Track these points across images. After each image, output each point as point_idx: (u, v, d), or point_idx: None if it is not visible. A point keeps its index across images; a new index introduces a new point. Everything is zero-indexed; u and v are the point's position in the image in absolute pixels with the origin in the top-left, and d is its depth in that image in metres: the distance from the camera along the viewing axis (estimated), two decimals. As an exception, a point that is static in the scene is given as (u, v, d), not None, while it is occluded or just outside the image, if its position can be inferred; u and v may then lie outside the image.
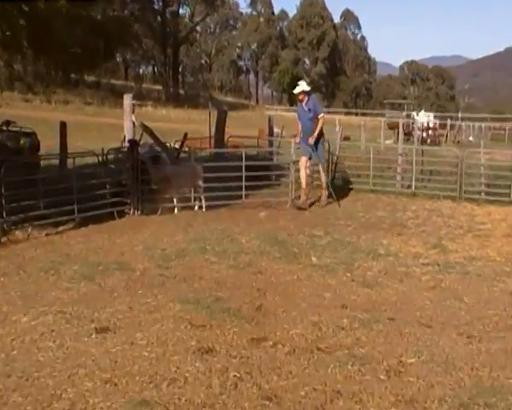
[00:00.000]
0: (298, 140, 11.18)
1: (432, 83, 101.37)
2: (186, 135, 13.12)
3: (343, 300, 5.68)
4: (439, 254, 7.54)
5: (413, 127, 33.41)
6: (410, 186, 12.50)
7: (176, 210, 10.32)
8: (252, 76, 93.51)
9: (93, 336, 4.73)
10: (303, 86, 10.96)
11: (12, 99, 38.60)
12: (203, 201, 10.54)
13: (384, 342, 4.61)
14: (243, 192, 10.73)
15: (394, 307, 5.46)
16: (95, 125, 30.22)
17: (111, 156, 10.49)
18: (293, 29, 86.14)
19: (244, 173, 10.69)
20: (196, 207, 10.57)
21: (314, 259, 7.27)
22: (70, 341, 4.60)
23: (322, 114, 10.98)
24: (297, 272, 6.69)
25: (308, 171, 11.07)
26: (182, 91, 65.89)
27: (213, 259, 7.23)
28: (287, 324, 4.99)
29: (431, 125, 34.29)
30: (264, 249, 7.69)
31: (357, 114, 57.48)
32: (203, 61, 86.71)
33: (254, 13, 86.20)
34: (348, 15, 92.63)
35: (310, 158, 10.90)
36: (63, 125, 12.31)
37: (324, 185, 11.14)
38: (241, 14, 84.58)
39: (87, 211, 9.43)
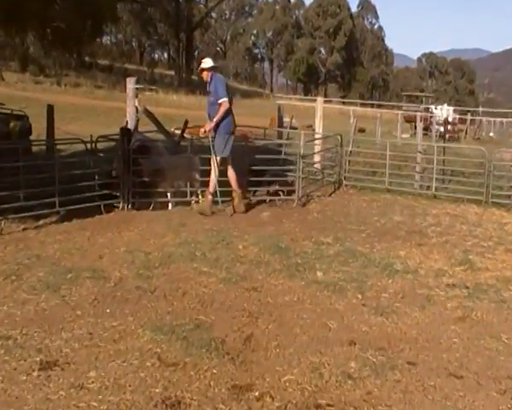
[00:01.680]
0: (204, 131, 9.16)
1: (451, 76, 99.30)
2: (187, 122, 12.09)
3: (351, 332, 4.65)
4: (466, 273, 6.47)
5: (431, 121, 32.29)
6: (429, 187, 11.40)
7: (170, 206, 9.34)
8: (267, 64, 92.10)
9: (34, 373, 3.76)
10: (205, 63, 9.11)
11: (23, 81, 37.88)
12: (200, 196, 9.53)
13: (402, 399, 3.60)
14: (245, 188, 9.70)
15: (415, 346, 4.42)
16: (103, 109, 29.24)
17: (102, 144, 9.53)
18: (309, 17, 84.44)
19: (247, 167, 9.65)
20: (193, 203, 9.56)
21: (320, 274, 6.24)
22: (2, 381, 3.63)
23: (223, 99, 8.88)
24: (298, 291, 5.68)
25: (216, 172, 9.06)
26: (195, 77, 64.76)
27: (203, 268, 6.24)
28: (280, 365, 3.99)
29: (450, 119, 33.02)
30: (263, 258, 6.68)
31: (372, 106, 56.12)
32: (218, 49, 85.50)
33: (270, 0, 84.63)
34: (366, 4, 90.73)
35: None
36: (50, 109, 11.32)
37: (211, 189, 8.96)
38: (257, 0, 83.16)
39: (72, 204, 8.49)
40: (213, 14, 75.67)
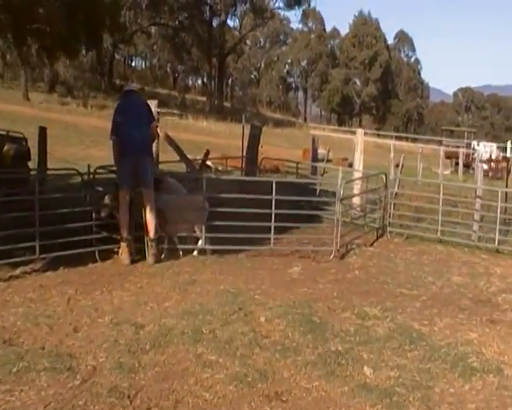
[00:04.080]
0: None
1: (487, 112, 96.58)
2: (208, 153, 10.65)
3: None
4: None
5: (473, 158, 30.32)
6: (491, 240, 9.58)
7: (181, 253, 7.73)
8: (301, 93, 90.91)
9: None
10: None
11: (49, 101, 37.24)
12: (205, 243, 7.88)
13: None
14: (271, 235, 8.04)
15: None
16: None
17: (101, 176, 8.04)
18: (344, 48, 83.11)
19: (274, 210, 8.00)
20: (208, 249, 7.93)
21: (368, 371, 4.53)
22: None
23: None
24: (340, 404, 3.98)
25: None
26: (228, 104, 63.95)
27: (210, 356, 4.60)
28: None
29: (493, 156, 31.02)
30: (292, 341, 5.00)
31: (407, 139, 54.11)
32: (252, 76, 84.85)
33: (305, 29, 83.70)
34: (402, 37, 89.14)
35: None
36: (42, 131, 9.74)
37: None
38: (292, 29, 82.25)
39: (59, 248, 6.97)
40: (248, 42, 75.08)
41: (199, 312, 5.50)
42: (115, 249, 7.48)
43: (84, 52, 9.86)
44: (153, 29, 60.89)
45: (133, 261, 7.31)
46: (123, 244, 7.21)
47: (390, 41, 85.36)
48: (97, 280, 6.53)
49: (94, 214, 7.50)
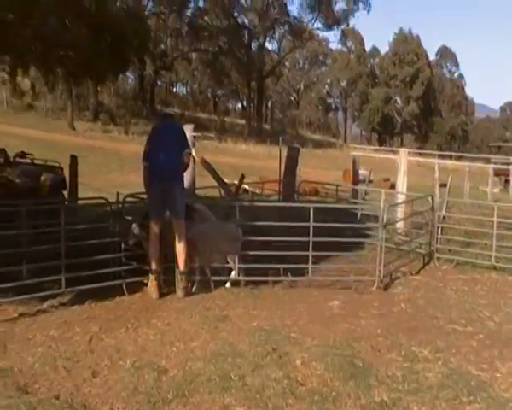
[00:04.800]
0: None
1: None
2: (243, 177, 10.22)
3: None
4: None
5: (524, 176, 28.99)
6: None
7: (213, 286, 7.27)
8: (340, 114, 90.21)
9: None
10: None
11: (93, 129, 37.88)
12: (238, 275, 7.40)
13: None
14: (309, 265, 7.50)
15: None
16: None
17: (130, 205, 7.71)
18: (384, 66, 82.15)
19: (312, 238, 7.46)
20: (242, 280, 7.44)
21: (420, 429, 3.95)
22: None
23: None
24: None
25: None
26: (267, 127, 63.86)
27: (238, 408, 4.10)
28: None
29: (545, 174, 29.57)
30: (330, 391, 4.44)
31: (451, 157, 52.62)
32: (292, 98, 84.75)
33: (345, 49, 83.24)
34: (445, 52, 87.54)
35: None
36: (74, 160, 9.53)
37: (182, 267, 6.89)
38: (331, 49, 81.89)
39: (85, 282, 6.63)
40: (286, 64, 75.11)
41: (228, 354, 5.01)
42: (144, 281, 7.10)
43: (111, 76, 9.58)
44: (193, 55, 61.66)
45: (163, 294, 6.91)
46: (151, 277, 6.81)
47: (432, 57, 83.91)
48: (123, 316, 6.14)
49: (122, 245, 7.18)
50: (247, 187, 16.69)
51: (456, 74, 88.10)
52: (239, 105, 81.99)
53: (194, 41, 53.79)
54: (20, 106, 39.57)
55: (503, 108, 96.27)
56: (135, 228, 7.26)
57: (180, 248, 6.79)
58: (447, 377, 4.79)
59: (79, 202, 9.31)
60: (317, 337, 5.58)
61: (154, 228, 6.75)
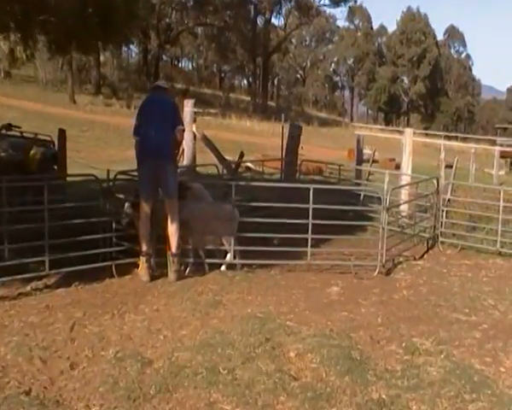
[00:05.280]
0: None
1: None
2: (242, 155, 9.86)
3: None
4: None
5: (531, 157, 28.57)
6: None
7: (207, 269, 6.96)
8: (347, 92, 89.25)
9: None
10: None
11: (94, 103, 37.37)
12: (230, 256, 7.08)
13: None
14: (308, 248, 7.18)
15: None
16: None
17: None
18: (392, 45, 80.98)
19: (311, 220, 7.13)
20: (238, 263, 7.14)
21: (420, 432, 3.66)
22: None
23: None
24: None
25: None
26: (273, 104, 63.21)
27: (225, 405, 3.82)
28: None
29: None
30: (325, 386, 4.15)
31: (457, 138, 51.93)
32: (298, 75, 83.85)
33: (352, 27, 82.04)
34: (453, 32, 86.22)
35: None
36: (62, 134, 9.13)
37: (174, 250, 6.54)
38: (338, 27, 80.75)
39: (73, 263, 6.34)
40: (293, 40, 74.17)
41: (218, 344, 4.72)
42: (137, 262, 6.79)
43: (99, 47, 9.12)
44: (199, 30, 60.82)
45: (154, 277, 6.61)
46: (142, 259, 6.50)
47: (440, 37, 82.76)
48: (110, 300, 5.85)
49: (114, 224, 6.86)
50: (250, 164, 16.33)
51: (463, 54, 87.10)
52: (245, 81, 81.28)
53: (199, 15, 52.96)
54: (19, 77, 38.94)
55: (509, 90, 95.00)
56: (127, 207, 6.95)
57: (172, 229, 6.47)
58: (449, 372, 4.49)
59: (68, 178, 8.95)
60: (314, 326, 5.29)
61: (145, 208, 6.43)
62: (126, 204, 6.97)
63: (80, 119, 29.13)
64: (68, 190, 9.13)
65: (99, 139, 24.03)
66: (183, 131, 6.74)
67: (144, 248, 6.49)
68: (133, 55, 66.65)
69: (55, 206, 6.46)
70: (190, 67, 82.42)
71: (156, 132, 6.39)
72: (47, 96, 35.60)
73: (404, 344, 5.02)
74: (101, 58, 48.43)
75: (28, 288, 6.10)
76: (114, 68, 51.06)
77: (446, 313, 6.03)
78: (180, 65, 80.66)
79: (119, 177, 7.14)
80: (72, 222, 6.55)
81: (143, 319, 5.31)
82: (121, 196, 7.23)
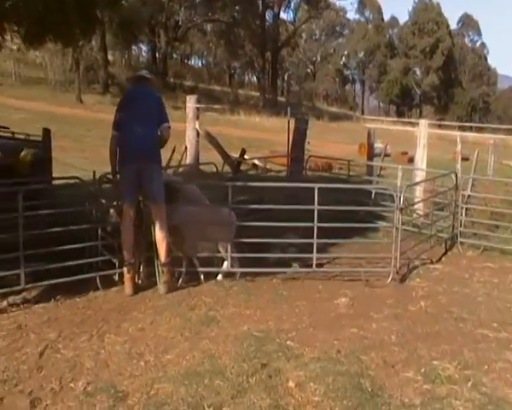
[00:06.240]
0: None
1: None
2: (244, 152, 9.20)
3: None
4: None
5: (550, 149, 27.56)
6: None
7: (202, 278, 6.31)
8: (358, 86, 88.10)
9: None
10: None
11: (102, 102, 36.87)
12: (227, 264, 6.42)
13: None
14: (314, 254, 6.49)
15: None
16: (174, 133, 27.20)
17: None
18: (403, 36, 79.61)
19: (316, 223, 6.44)
20: (236, 272, 6.48)
21: None
22: None
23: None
24: None
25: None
26: (283, 99, 62.37)
27: (207, 455, 3.17)
28: None
29: None
30: (329, 427, 3.50)
31: (471, 129, 50.80)
32: (308, 70, 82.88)
33: (362, 19, 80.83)
34: (467, 21, 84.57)
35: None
36: (46, 134, 8.48)
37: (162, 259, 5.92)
38: (348, 20, 79.54)
39: (53, 275, 5.71)
40: (303, 35, 73.24)
41: (206, 372, 4.07)
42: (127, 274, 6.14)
43: (79, 38, 8.45)
44: (208, 27, 60.14)
45: (144, 289, 5.97)
46: (125, 270, 5.85)
47: (453, 26, 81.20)
48: (91, 317, 5.21)
49: (99, 232, 6.22)
50: (256, 161, 15.67)
51: (478, 43, 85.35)
52: (254, 78, 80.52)
53: (208, 11, 52.27)
54: (29, 79, 38.67)
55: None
56: (113, 214, 6.32)
57: (160, 236, 5.81)
58: (479, 407, 3.80)
59: (57, 181, 8.30)
60: (318, 347, 4.62)
61: (128, 214, 5.77)
62: (111, 210, 6.35)
63: (87, 118, 28.66)
64: (62, 193, 8.50)
65: (104, 138, 23.34)
66: (169, 128, 6.06)
67: (127, 257, 5.83)
68: (143, 53, 66.15)
69: (31, 213, 5.80)
70: (200, 64, 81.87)
71: (140, 130, 5.74)
72: (55, 97, 35.17)
73: (423, 369, 4.33)
74: (110, 57, 48.02)
75: (4, 303, 5.50)
76: (123, 67, 50.60)
77: (471, 328, 5.31)
78: (190, 63, 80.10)
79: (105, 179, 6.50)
80: (54, 230, 5.91)
81: (124, 341, 4.66)
82: (104, 200, 6.58)
